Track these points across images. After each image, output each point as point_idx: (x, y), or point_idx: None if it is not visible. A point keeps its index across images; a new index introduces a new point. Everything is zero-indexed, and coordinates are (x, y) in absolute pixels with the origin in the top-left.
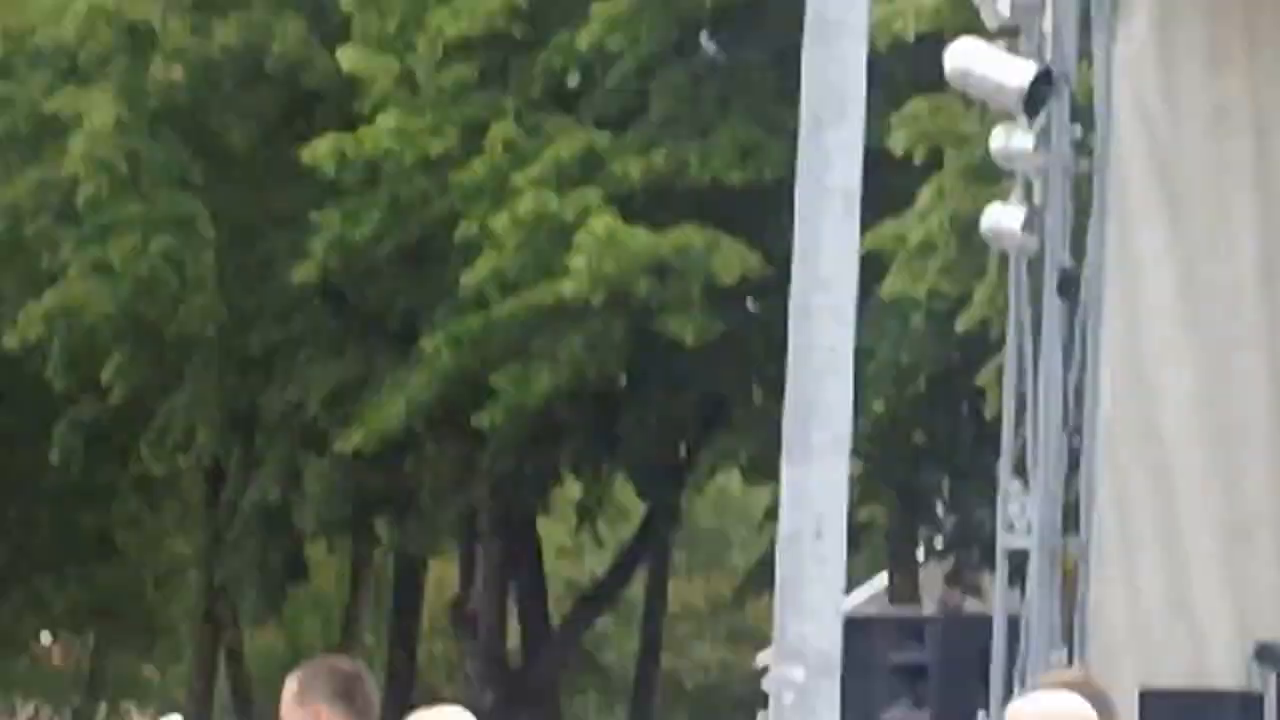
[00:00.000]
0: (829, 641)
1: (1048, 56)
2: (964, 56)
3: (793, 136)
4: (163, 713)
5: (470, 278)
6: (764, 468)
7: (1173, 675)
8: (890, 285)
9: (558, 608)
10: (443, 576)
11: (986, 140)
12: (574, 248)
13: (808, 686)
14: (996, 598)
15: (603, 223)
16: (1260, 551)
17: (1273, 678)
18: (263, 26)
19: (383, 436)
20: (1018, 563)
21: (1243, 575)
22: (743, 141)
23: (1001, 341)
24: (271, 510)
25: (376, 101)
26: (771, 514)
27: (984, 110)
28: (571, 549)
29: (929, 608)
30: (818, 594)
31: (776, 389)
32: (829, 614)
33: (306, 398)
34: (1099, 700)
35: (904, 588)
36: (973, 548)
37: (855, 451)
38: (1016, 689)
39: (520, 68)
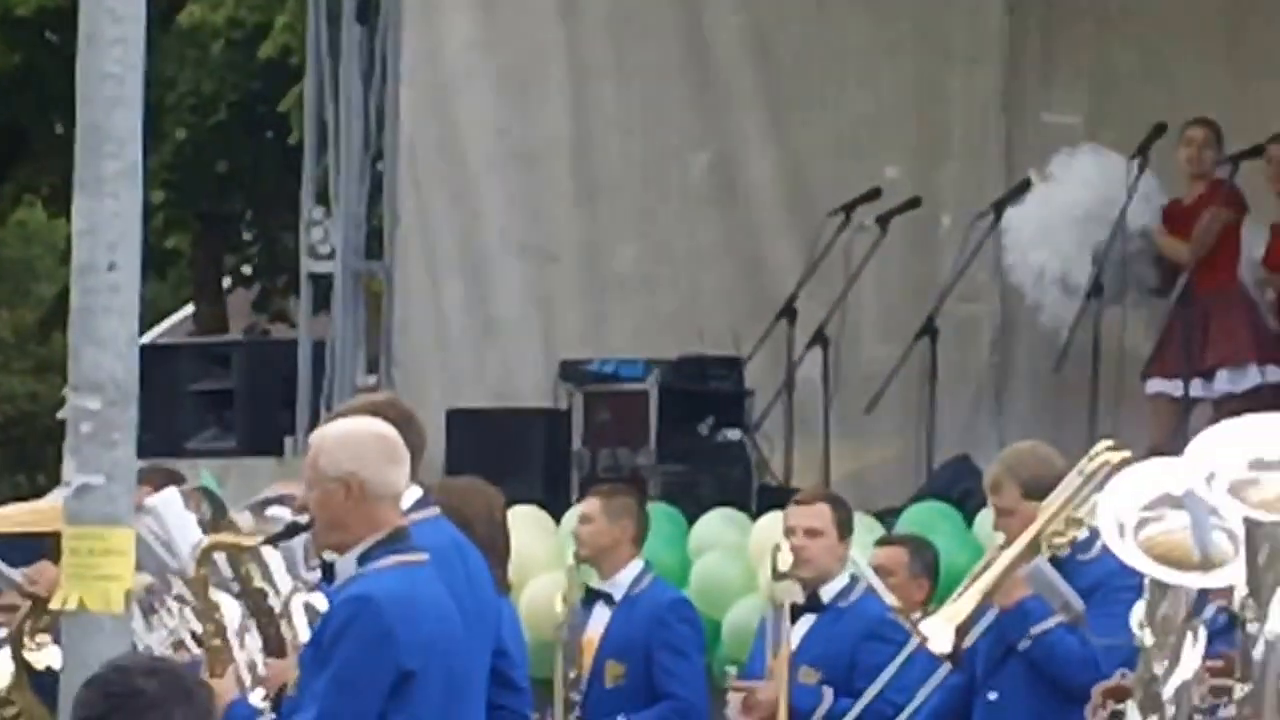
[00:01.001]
0: (125, 370)
1: None
2: None
3: None
4: None
5: None
6: (65, 198)
7: (481, 396)
8: (189, 14)
9: None
10: None
11: None
12: None
13: (105, 415)
14: (301, 323)
15: None
16: (564, 271)
17: (578, 395)
18: None
19: None
20: (323, 288)
21: (547, 296)
22: None
23: (303, 69)
24: None
25: None
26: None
27: None
28: None
29: (236, 335)
30: (112, 324)
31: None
32: (124, 342)
33: None
34: (404, 422)
35: (210, 316)
36: (279, 275)
37: (155, 181)
38: (323, 414)
39: None
